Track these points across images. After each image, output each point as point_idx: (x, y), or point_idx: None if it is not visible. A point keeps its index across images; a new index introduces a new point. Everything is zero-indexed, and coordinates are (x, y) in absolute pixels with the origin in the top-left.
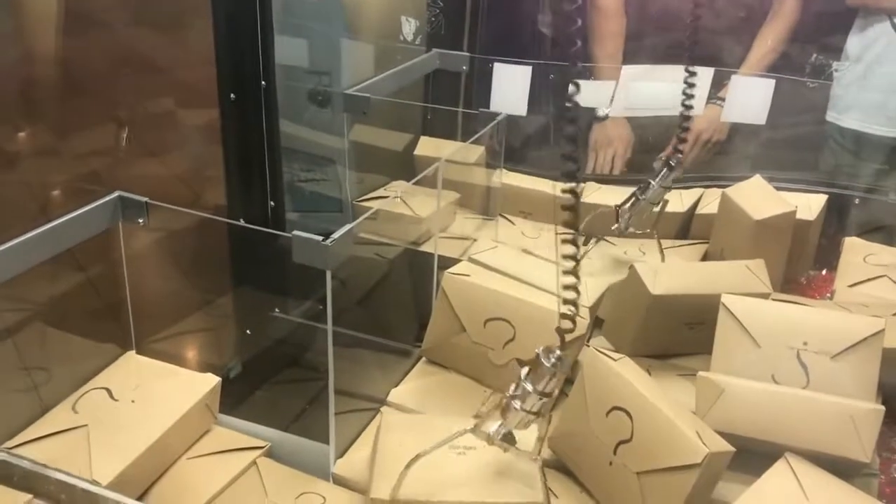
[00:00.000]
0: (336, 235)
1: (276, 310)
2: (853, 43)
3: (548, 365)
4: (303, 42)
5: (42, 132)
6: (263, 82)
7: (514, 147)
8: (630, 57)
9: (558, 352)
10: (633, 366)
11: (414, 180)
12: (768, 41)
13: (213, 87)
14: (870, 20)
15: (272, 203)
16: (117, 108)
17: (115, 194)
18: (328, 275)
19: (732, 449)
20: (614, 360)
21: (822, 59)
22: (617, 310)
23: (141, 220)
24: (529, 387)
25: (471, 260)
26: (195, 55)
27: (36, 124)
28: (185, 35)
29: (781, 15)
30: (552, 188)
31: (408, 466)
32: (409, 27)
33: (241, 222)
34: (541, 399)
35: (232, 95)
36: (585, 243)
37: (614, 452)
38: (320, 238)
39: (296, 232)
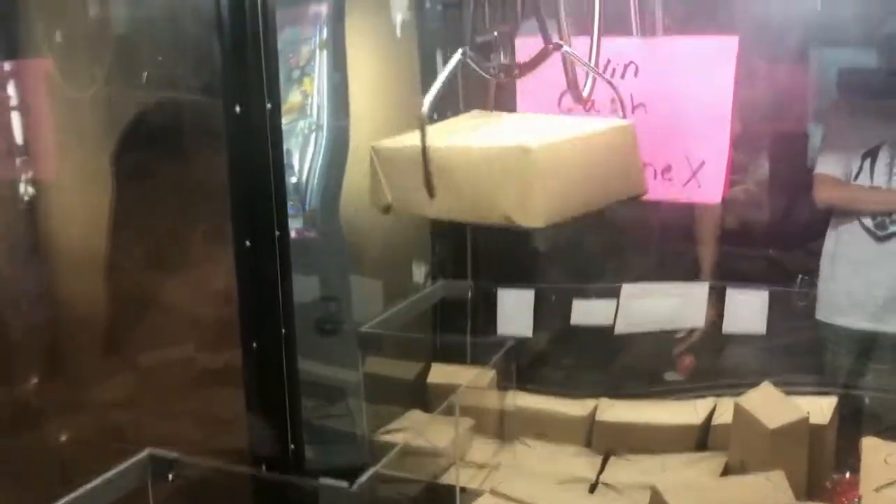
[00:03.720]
0: (361, 479)
1: None
2: (829, 243)
3: None
4: (314, 284)
5: (62, 386)
6: (284, 329)
7: (522, 367)
8: (626, 273)
9: None
10: None
11: (436, 412)
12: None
13: (235, 334)
14: (841, 220)
15: (293, 446)
16: (138, 354)
17: (145, 452)
18: None
19: None
20: None
21: (807, 278)
22: None
23: (170, 476)
24: None
25: (493, 492)
26: (217, 302)
27: (55, 378)
28: (206, 280)
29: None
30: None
31: None
32: (419, 272)
33: (263, 468)
34: None
35: (254, 344)
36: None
37: None
38: (346, 484)
39: (322, 479)
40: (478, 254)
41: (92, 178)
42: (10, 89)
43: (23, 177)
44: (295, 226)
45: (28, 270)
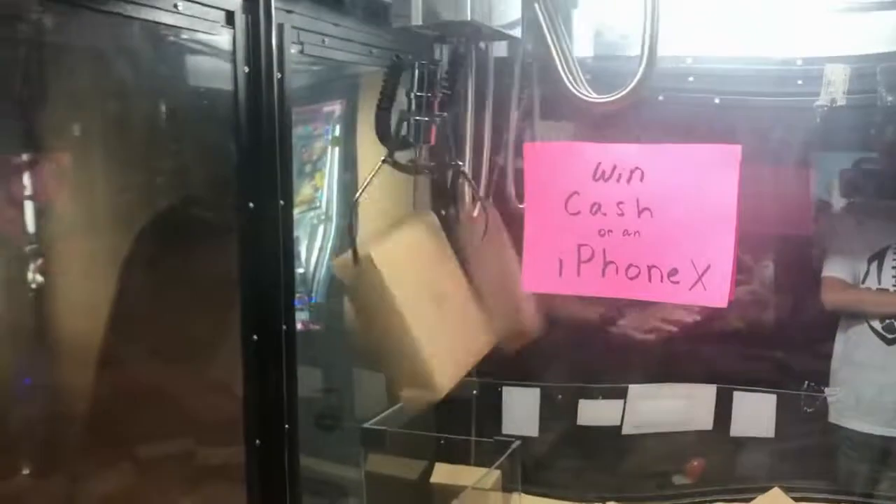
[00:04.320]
0: None
1: None
2: (839, 345)
3: None
4: (317, 378)
5: (60, 479)
6: (287, 426)
7: (528, 468)
8: (633, 373)
9: None
10: None
11: None
12: None
13: (239, 430)
14: (850, 323)
15: None
16: (139, 448)
17: None
18: None
19: None
20: None
21: (813, 384)
22: None
23: None
24: None
25: None
26: (221, 397)
27: (53, 470)
28: (210, 376)
29: None
30: None
31: None
32: None
33: None
34: None
35: (257, 441)
36: None
37: None
38: None
39: None
40: None
41: (100, 269)
42: (25, 180)
43: (31, 265)
44: (300, 318)
45: (31, 359)
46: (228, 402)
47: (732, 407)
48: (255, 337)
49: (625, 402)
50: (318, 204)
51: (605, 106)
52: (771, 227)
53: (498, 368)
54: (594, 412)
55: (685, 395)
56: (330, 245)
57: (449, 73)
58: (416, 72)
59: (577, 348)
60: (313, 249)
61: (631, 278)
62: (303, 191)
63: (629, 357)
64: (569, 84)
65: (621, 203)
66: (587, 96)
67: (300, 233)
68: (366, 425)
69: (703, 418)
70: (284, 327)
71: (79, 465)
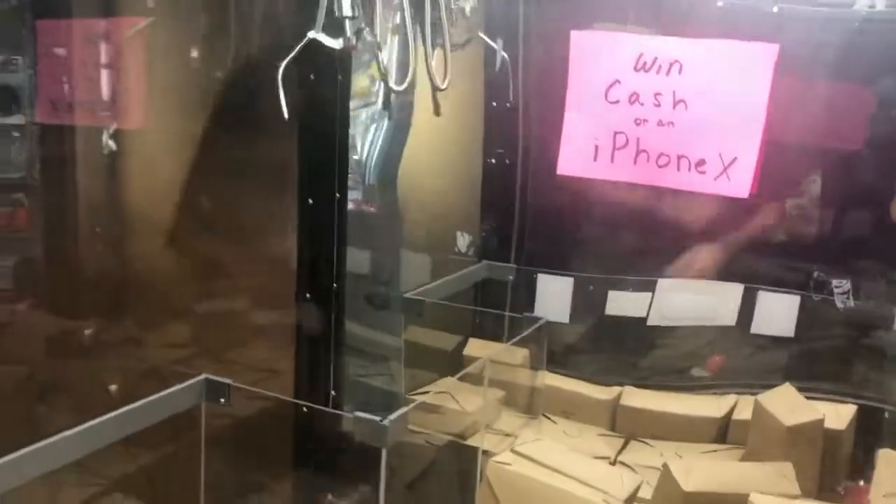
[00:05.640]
0: (393, 416)
1: (330, 496)
2: None
3: None
4: (366, 252)
5: (129, 324)
6: (335, 284)
7: (556, 352)
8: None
9: None
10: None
11: (459, 375)
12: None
13: (292, 289)
14: None
15: (333, 393)
16: (208, 303)
17: (202, 376)
18: (383, 453)
19: None
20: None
21: (822, 275)
22: None
23: (223, 400)
24: None
25: (514, 451)
26: (279, 262)
27: (124, 317)
28: (271, 244)
29: None
30: (593, 391)
31: None
32: (463, 241)
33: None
34: None
35: (307, 294)
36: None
37: None
38: (378, 418)
39: (357, 413)
40: (523, 239)
41: (172, 133)
42: (108, 44)
43: (111, 127)
44: (353, 196)
45: (107, 213)
46: (285, 259)
47: (756, 305)
48: (310, 201)
49: (653, 295)
50: (373, 97)
51: None
52: (823, 141)
53: (535, 257)
54: (623, 303)
55: (712, 291)
56: (382, 135)
57: None
58: None
59: (612, 243)
60: (368, 136)
61: (661, 166)
62: (359, 81)
63: (663, 255)
64: None
65: (658, 94)
66: None
67: (358, 123)
68: (407, 294)
69: (728, 314)
70: (338, 195)
71: (144, 314)
